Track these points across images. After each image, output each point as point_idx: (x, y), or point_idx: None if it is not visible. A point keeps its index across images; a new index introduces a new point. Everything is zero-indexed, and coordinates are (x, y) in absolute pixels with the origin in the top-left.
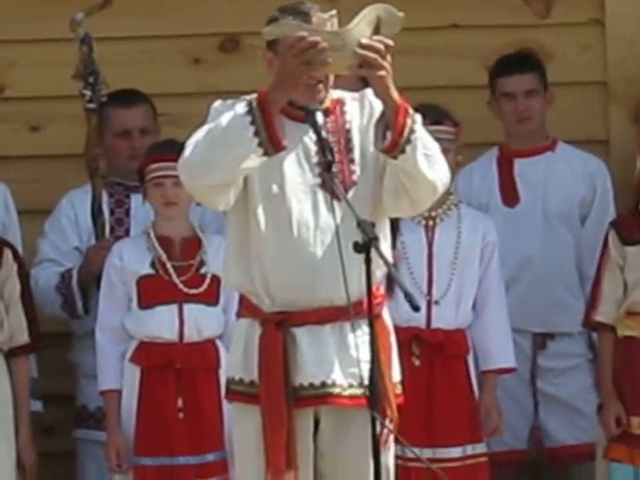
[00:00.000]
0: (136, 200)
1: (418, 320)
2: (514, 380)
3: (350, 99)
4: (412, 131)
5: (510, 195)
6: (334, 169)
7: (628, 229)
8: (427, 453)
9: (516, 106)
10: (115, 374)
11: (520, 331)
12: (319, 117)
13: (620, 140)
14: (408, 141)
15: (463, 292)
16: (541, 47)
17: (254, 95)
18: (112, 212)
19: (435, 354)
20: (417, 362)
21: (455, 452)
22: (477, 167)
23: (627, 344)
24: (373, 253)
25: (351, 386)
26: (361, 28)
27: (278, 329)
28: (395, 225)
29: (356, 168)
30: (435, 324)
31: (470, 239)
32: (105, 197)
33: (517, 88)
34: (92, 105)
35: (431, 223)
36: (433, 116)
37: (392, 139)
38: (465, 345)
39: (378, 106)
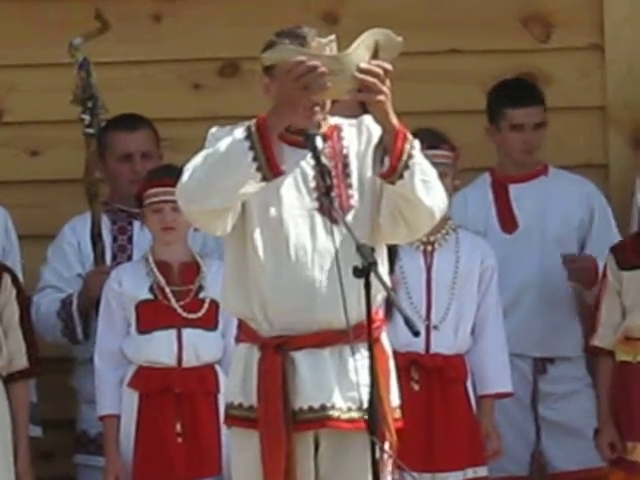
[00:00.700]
0: (139, 227)
1: (417, 345)
2: (515, 405)
3: (347, 125)
4: (410, 156)
5: (508, 221)
6: (332, 194)
7: (626, 254)
8: (426, 478)
9: (525, 138)
10: (114, 399)
11: (520, 356)
12: (318, 142)
13: (619, 165)
14: (406, 167)
15: (462, 317)
16: (540, 72)
17: (253, 120)
18: (115, 239)
19: (434, 379)
20: (416, 387)
21: (455, 477)
22: (471, 193)
23: (623, 369)
24: (372, 277)
25: (350, 410)
26: (360, 53)
27: (277, 353)
28: (394, 250)
29: (354, 193)
30: (434, 349)
31: (468, 263)
32: (108, 224)
33: (527, 120)
34: (91, 130)
35: (429, 248)
36: (430, 140)
37: (390, 164)
38: (464, 370)
39: (376, 132)
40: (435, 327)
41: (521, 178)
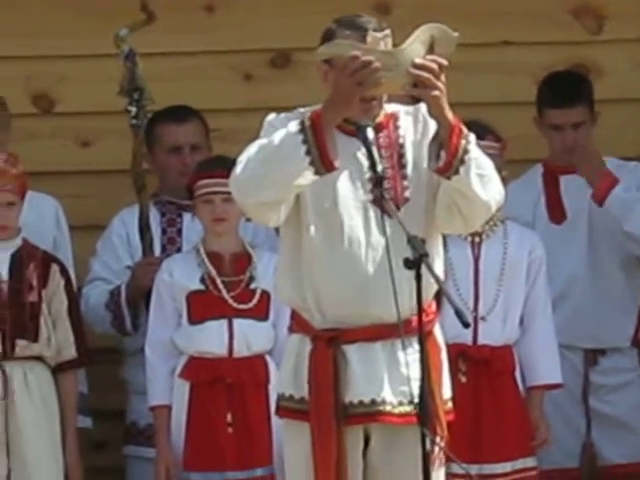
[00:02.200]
0: (188, 219)
1: (464, 337)
2: (565, 397)
3: (404, 113)
4: (466, 152)
5: (557, 212)
6: (386, 185)
7: None
8: (473, 469)
9: (563, 139)
10: (165, 390)
11: (571, 347)
12: (370, 133)
13: None
14: (462, 162)
15: (510, 308)
16: (592, 64)
17: (308, 112)
18: (164, 231)
19: (481, 370)
20: (463, 379)
21: (502, 468)
22: (522, 184)
23: None
24: (424, 269)
25: (401, 404)
26: (415, 48)
27: (329, 346)
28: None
29: (408, 184)
30: (481, 340)
31: (516, 255)
32: (157, 216)
33: (565, 121)
34: (137, 121)
35: (477, 239)
36: (476, 131)
37: (446, 160)
38: (512, 361)
39: (432, 122)
40: (482, 318)
41: (572, 169)
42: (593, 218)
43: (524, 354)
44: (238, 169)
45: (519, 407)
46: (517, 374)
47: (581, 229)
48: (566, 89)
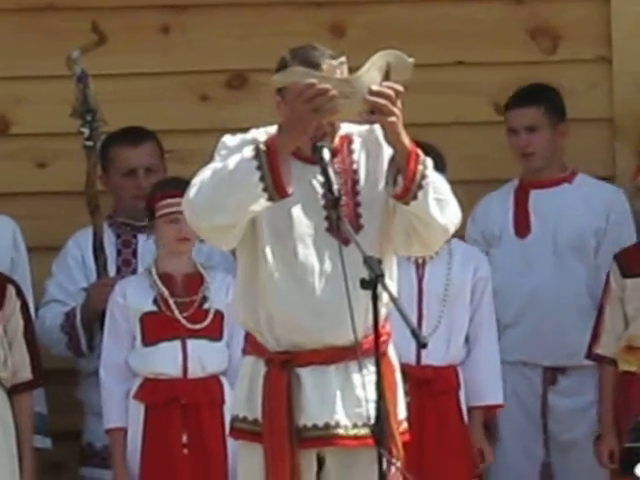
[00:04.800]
0: (143, 240)
1: (408, 357)
2: (524, 419)
3: (357, 135)
4: (423, 177)
5: (522, 226)
6: (341, 210)
7: (629, 262)
8: None
9: (518, 141)
10: (120, 412)
11: (530, 365)
12: (326, 154)
13: (626, 176)
14: (420, 187)
15: (454, 329)
16: (548, 84)
17: (266, 133)
18: (119, 253)
19: (424, 391)
20: (406, 399)
21: None
22: (495, 197)
23: (626, 379)
24: (379, 290)
25: (355, 426)
26: (371, 74)
27: (283, 369)
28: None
29: (362, 211)
30: (425, 361)
31: (461, 275)
32: (112, 238)
33: (519, 123)
34: (90, 143)
35: (421, 260)
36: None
37: (404, 186)
38: (456, 381)
39: (386, 144)
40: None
41: (544, 184)
42: (558, 234)
43: (467, 374)
44: (192, 192)
45: (462, 428)
46: (461, 394)
47: (545, 244)
48: (522, 93)
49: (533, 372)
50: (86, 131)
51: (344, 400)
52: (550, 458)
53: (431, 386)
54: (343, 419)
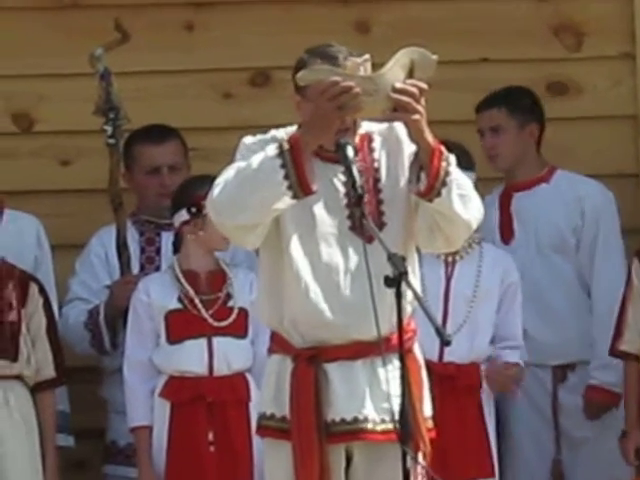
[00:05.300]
0: (167, 238)
1: (430, 353)
2: (535, 417)
3: (378, 134)
4: (447, 174)
5: (506, 231)
6: (364, 204)
7: None
8: None
9: (484, 143)
10: (145, 410)
11: (539, 365)
12: (350, 151)
13: None
14: (443, 184)
15: (478, 330)
16: (572, 81)
17: (286, 134)
18: (143, 250)
19: (446, 387)
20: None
21: None
22: (487, 202)
23: None
24: (404, 287)
25: (383, 421)
26: (395, 72)
27: (310, 365)
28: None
29: (385, 209)
30: (447, 357)
31: (489, 278)
32: (136, 235)
33: (483, 125)
34: (113, 141)
35: (451, 259)
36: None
37: (428, 184)
38: (478, 379)
39: (407, 141)
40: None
41: (523, 186)
42: (540, 235)
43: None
44: (216, 191)
45: (481, 426)
46: (483, 393)
47: (529, 247)
48: (489, 95)
49: (543, 372)
50: (109, 129)
51: (372, 395)
52: (561, 455)
53: (453, 382)
54: (371, 413)
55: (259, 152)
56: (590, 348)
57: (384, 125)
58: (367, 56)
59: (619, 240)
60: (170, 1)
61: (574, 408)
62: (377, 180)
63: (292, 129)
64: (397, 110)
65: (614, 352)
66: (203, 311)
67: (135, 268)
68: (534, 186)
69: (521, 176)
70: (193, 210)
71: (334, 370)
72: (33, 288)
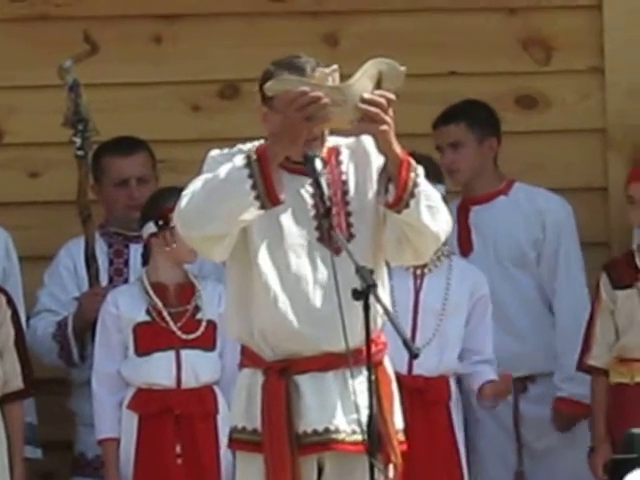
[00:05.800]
0: (135, 250)
1: (399, 366)
2: (497, 429)
3: (345, 147)
4: (415, 185)
5: (464, 243)
6: (332, 216)
7: (619, 273)
8: None
9: (443, 160)
10: (112, 422)
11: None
12: (318, 164)
13: (619, 187)
14: (412, 195)
15: (447, 343)
16: (540, 94)
17: (253, 146)
18: (111, 262)
19: (416, 400)
20: None
21: None
22: None
23: (618, 391)
24: (372, 300)
25: (354, 432)
26: (363, 83)
27: (281, 377)
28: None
29: (353, 221)
30: (416, 370)
31: (458, 291)
32: (104, 247)
33: (441, 141)
34: (81, 152)
35: (420, 272)
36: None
37: (396, 195)
38: (447, 392)
39: (374, 154)
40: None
41: (480, 199)
42: (498, 248)
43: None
44: (183, 202)
45: (450, 438)
46: (452, 405)
47: (488, 259)
48: (445, 110)
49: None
50: (78, 141)
51: (343, 406)
52: (523, 467)
53: (422, 395)
54: (343, 424)
55: (226, 164)
56: (552, 360)
57: (351, 139)
58: (335, 67)
59: (579, 254)
60: (139, 13)
61: (535, 420)
62: (345, 192)
63: (259, 143)
64: (365, 121)
65: (582, 367)
66: (171, 323)
67: (104, 280)
68: (492, 199)
69: (479, 189)
70: (161, 222)
71: (305, 382)
72: (1, 299)
